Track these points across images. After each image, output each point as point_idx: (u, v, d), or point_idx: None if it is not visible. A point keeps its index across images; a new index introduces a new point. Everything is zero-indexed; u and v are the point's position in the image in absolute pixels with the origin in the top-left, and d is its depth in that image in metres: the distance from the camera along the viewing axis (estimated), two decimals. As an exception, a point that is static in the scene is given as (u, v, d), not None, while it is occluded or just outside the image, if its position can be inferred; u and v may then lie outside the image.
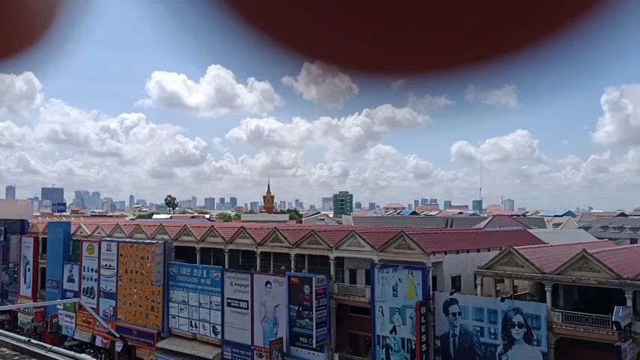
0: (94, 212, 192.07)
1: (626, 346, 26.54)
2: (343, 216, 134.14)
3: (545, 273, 30.60)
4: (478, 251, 38.17)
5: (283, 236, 43.19)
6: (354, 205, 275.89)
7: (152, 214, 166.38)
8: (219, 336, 44.39)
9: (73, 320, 54.75)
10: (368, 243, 37.71)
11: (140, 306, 50.32)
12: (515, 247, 32.38)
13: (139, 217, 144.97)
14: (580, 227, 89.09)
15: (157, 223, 61.26)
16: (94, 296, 53.60)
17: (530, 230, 54.36)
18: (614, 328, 26.74)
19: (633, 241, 51.73)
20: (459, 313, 32.42)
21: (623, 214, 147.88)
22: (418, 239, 35.53)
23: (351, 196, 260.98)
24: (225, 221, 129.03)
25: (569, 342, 29.93)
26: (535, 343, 29.64)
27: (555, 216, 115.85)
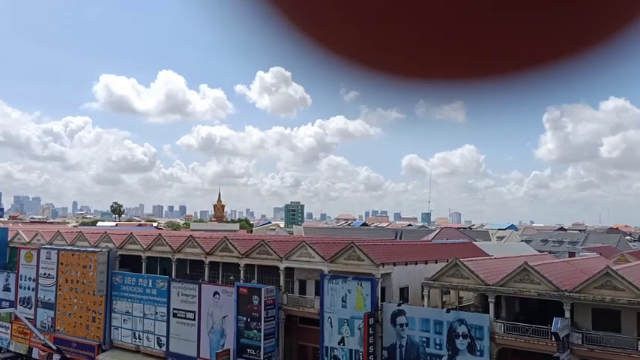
0: (33, 218, 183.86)
1: (564, 357, 27.55)
2: (294, 226, 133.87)
3: (488, 285, 31.46)
4: (426, 263, 38.81)
5: (233, 246, 42.66)
6: (305, 216, 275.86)
7: (96, 221, 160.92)
8: (164, 348, 43.24)
9: (9, 331, 52.11)
10: (318, 254, 37.75)
11: (80, 317, 48.46)
12: (461, 260, 33.15)
13: (83, 224, 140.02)
14: (522, 240, 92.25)
15: (102, 230, 59.35)
16: (32, 306, 51.23)
17: (475, 243, 55.79)
18: (553, 339, 27.71)
19: (571, 254, 53.82)
20: (406, 324, 32.84)
21: (562, 229, 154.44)
22: (368, 250, 35.83)
23: (303, 206, 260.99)
24: (174, 230, 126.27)
25: (511, 352, 30.82)
26: (478, 353, 30.36)
27: (499, 229, 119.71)
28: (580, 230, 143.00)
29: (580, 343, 28.23)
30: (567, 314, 28.78)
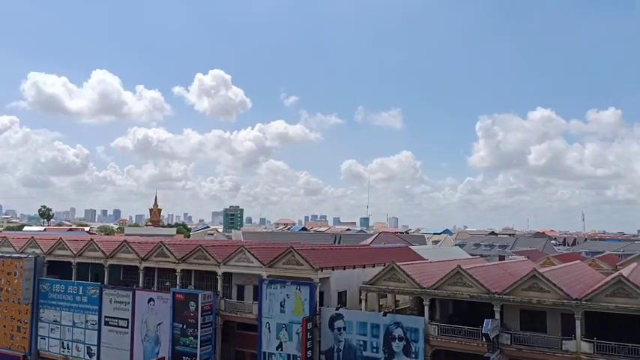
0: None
1: (494, 357, 28.57)
2: (233, 231, 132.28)
3: (424, 288, 32.20)
4: (364, 267, 39.21)
5: (169, 251, 41.55)
6: (244, 220, 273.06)
7: (23, 225, 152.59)
8: (95, 357, 41.48)
9: None
10: (257, 258, 37.39)
11: (4, 326, 45.75)
12: (398, 264, 33.76)
13: (8, 228, 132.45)
14: (456, 244, 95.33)
15: (28, 235, 56.32)
16: (-52, 317, 47.76)
17: (412, 247, 57.08)
18: (484, 340, 28.69)
19: (501, 257, 56.15)
20: (344, 328, 33.06)
21: (493, 233, 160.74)
22: (307, 255, 35.82)
23: (242, 210, 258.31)
24: (107, 234, 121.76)
25: (444, 353, 31.65)
26: (413, 355, 30.98)
27: (435, 234, 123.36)
28: (509, 235, 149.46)
29: (509, 343, 29.35)
30: (497, 315, 29.86)
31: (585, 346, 27.37)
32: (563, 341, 28.15)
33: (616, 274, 30.07)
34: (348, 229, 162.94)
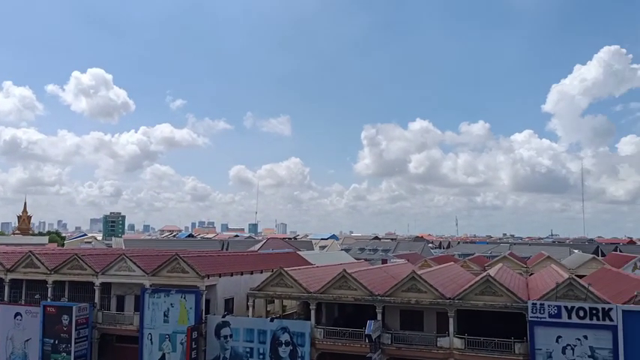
0: None
1: (376, 357, 29.69)
2: (114, 238, 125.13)
3: (310, 292, 32.68)
4: (252, 273, 38.94)
5: (40, 261, 38.32)
6: (126, 227, 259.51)
7: None
8: (-52, 382, 36.99)
9: None
10: (139, 267, 35.69)
11: None
12: (286, 269, 33.96)
13: None
14: (342, 249, 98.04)
15: None
16: None
17: (299, 252, 57.72)
18: (367, 341, 29.71)
19: (384, 261, 58.62)
20: (231, 336, 32.55)
21: (377, 238, 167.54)
22: (193, 262, 34.87)
23: (124, 217, 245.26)
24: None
25: (329, 356, 32.32)
26: (299, 359, 31.27)
27: (322, 239, 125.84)
28: (392, 239, 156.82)
29: (389, 342, 30.68)
30: (379, 317, 31.11)
31: (457, 342, 29.37)
32: (438, 338, 29.99)
33: (484, 274, 32.68)
34: (237, 236, 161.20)
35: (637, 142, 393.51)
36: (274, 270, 34.67)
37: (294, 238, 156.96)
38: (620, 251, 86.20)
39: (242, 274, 38.05)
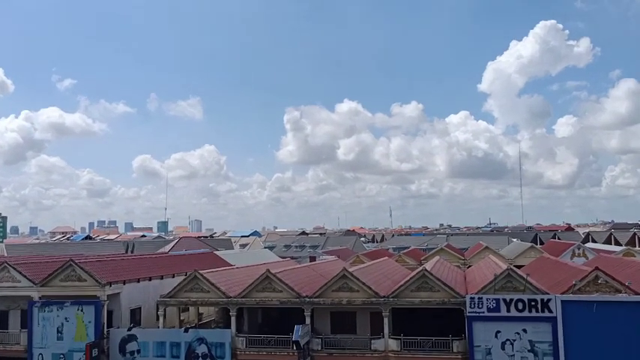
0: None
1: (305, 364, 30.03)
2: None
3: (230, 297, 32.48)
4: (162, 278, 38.26)
5: None
6: (8, 230, 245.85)
7: None
8: None
9: None
10: (25, 276, 34.01)
11: None
12: (201, 272, 33.53)
13: None
14: (265, 247, 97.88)
15: None
16: None
17: (217, 252, 57.12)
18: (295, 348, 29.97)
19: (312, 258, 59.11)
20: (138, 351, 31.77)
21: (304, 233, 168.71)
22: (91, 269, 33.69)
23: (5, 218, 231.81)
24: None
25: (254, 367, 32.31)
26: (220, 373, 31.05)
27: (242, 236, 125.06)
28: (320, 234, 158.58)
29: (320, 348, 31.13)
30: (308, 320, 31.44)
31: (393, 344, 30.29)
32: (372, 340, 30.80)
33: (420, 268, 33.85)
34: (144, 236, 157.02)
35: (573, 123, 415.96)
36: (188, 273, 34.17)
37: (211, 236, 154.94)
38: (559, 238, 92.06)
39: (150, 279, 37.27)
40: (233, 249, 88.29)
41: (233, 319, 32.30)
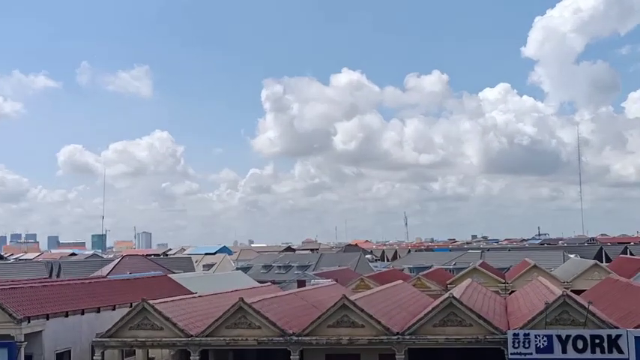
0: None
1: None
2: None
3: (191, 336, 32.45)
4: (98, 311, 38.40)
5: None
6: None
7: None
8: None
9: None
10: None
11: None
12: (151, 302, 33.48)
13: None
14: (238, 268, 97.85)
15: None
16: None
17: (173, 276, 57.01)
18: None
19: (301, 283, 59.02)
20: (68, 409, 31.75)
21: (290, 249, 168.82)
22: (2, 299, 33.66)
23: None
24: None
25: None
26: None
27: (207, 254, 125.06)
28: (312, 250, 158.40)
29: (312, 403, 31.20)
30: (296, 366, 31.51)
31: (410, 396, 30.38)
32: (383, 392, 30.89)
33: (446, 295, 33.94)
34: (73, 254, 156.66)
35: None
36: (134, 304, 34.10)
37: (165, 254, 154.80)
38: (631, 253, 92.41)
39: (83, 312, 37.34)
40: (194, 271, 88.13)
41: (195, 366, 32.32)
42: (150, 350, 38.31)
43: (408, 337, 30.91)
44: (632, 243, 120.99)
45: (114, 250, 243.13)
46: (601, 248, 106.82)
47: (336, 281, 57.98)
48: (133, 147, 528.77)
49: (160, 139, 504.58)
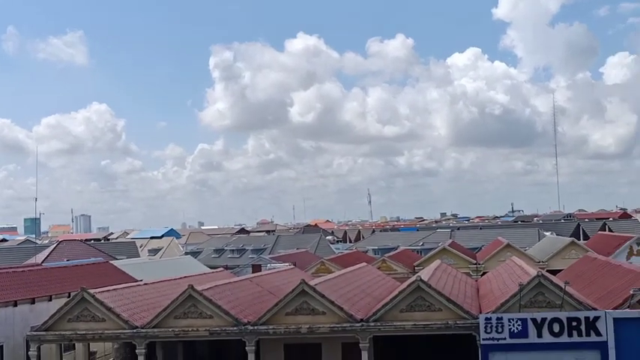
0: None
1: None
2: None
3: (136, 327, 32.31)
4: (33, 302, 38.13)
5: None
6: None
7: None
8: None
9: None
10: None
11: None
12: (92, 291, 33.23)
13: None
14: (187, 252, 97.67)
15: None
16: None
17: (115, 262, 56.64)
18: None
19: (256, 267, 58.96)
20: (1, 410, 31.53)
21: (244, 231, 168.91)
22: None
23: None
24: None
25: None
26: None
27: (153, 238, 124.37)
28: (268, 232, 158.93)
29: (270, 397, 31.38)
30: (252, 358, 31.57)
31: (376, 387, 30.71)
32: (347, 384, 31.17)
33: (413, 278, 34.22)
34: (4, 240, 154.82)
35: (630, 64, 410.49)
36: (72, 294, 33.84)
37: (106, 238, 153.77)
38: (610, 230, 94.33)
39: (16, 304, 37.06)
40: (139, 256, 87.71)
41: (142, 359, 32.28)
42: (91, 344, 38.07)
43: (372, 324, 31.12)
44: (610, 219, 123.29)
45: (49, 235, 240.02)
46: (578, 225, 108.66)
47: (295, 265, 58.10)
48: (68, 121, 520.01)
49: (98, 113, 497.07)
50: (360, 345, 31.05)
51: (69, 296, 34.68)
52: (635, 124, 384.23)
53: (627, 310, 29.14)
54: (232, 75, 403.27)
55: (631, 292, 29.66)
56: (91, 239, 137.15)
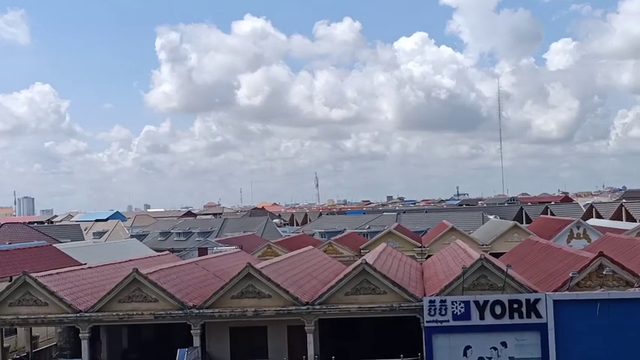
0: None
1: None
2: None
3: (79, 311, 31.97)
4: (-27, 287, 37.22)
5: None
6: None
7: None
8: None
9: None
10: None
11: None
12: (34, 275, 32.80)
13: None
14: (133, 235, 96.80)
15: None
16: None
17: (59, 245, 55.92)
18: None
19: (203, 251, 58.83)
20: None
21: (190, 214, 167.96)
22: None
23: None
24: None
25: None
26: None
27: (97, 220, 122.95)
28: (215, 215, 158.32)
29: (215, 380, 31.37)
30: (197, 341, 31.53)
31: (321, 370, 30.91)
32: (292, 366, 31.32)
33: (359, 261, 34.46)
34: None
35: (572, 50, 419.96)
36: (14, 278, 33.35)
37: (49, 221, 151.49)
38: (552, 213, 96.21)
39: (-45, 289, 36.17)
40: (83, 239, 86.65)
41: (85, 344, 31.94)
42: (33, 328, 37.59)
43: (318, 307, 31.28)
44: (552, 202, 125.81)
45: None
46: (521, 208, 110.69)
47: (241, 248, 58.06)
48: (10, 102, 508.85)
49: (41, 93, 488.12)
50: (306, 328, 31.24)
51: (10, 280, 34.13)
52: (576, 109, 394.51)
53: (567, 292, 29.74)
54: (178, 57, 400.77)
55: (570, 275, 30.22)
56: (34, 222, 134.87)
